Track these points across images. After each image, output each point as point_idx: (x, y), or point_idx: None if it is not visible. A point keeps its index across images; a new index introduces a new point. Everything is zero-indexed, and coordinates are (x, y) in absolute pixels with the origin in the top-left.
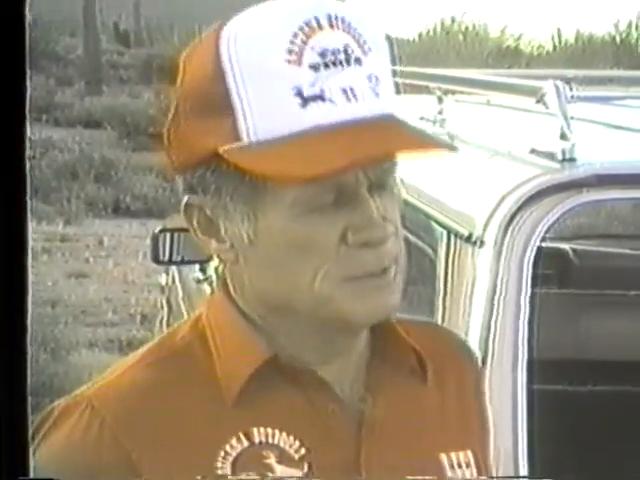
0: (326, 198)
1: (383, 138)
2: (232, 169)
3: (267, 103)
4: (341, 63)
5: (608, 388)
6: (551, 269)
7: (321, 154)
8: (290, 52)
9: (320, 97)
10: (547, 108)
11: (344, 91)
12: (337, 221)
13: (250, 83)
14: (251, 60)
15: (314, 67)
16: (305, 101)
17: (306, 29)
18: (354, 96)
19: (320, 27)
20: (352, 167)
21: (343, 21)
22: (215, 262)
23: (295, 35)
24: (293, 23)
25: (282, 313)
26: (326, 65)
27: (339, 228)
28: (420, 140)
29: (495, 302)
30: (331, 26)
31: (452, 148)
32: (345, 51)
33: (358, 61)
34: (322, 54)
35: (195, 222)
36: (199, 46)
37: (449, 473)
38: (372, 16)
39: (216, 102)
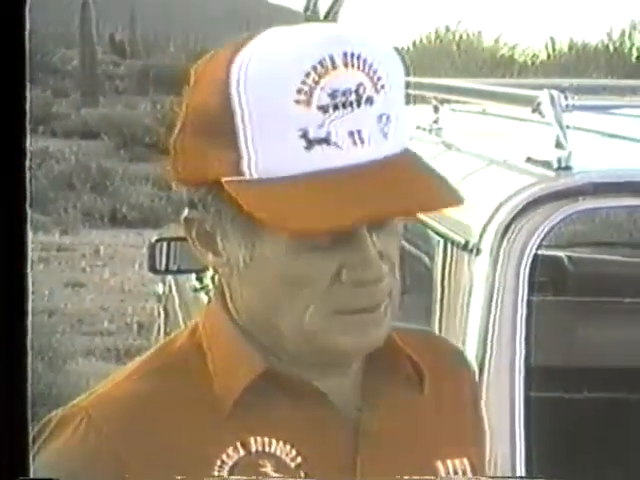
0: (324, 237)
1: (385, 193)
2: (233, 199)
3: (272, 142)
4: (351, 104)
5: (604, 395)
6: (547, 276)
7: (322, 207)
8: (300, 92)
9: (325, 140)
10: (543, 117)
11: (351, 134)
12: (333, 259)
13: (257, 120)
14: (260, 96)
15: (323, 108)
16: (310, 143)
17: (319, 69)
18: (360, 140)
19: (334, 66)
20: (353, 225)
21: (359, 58)
22: (212, 271)
23: (307, 74)
24: (307, 61)
25: (268, 333)
26: (335, 107)
27: (334, 266)
28: (426, 197)
29: (492, 309)
30: (345, 65)
31: (459, 201)
32: (357, 91)
33: (369, 101)
34: (332, 95)
35: (194, 234)
36: (211, 63)
37: None
38: (389, 45)
39: (222, 132)
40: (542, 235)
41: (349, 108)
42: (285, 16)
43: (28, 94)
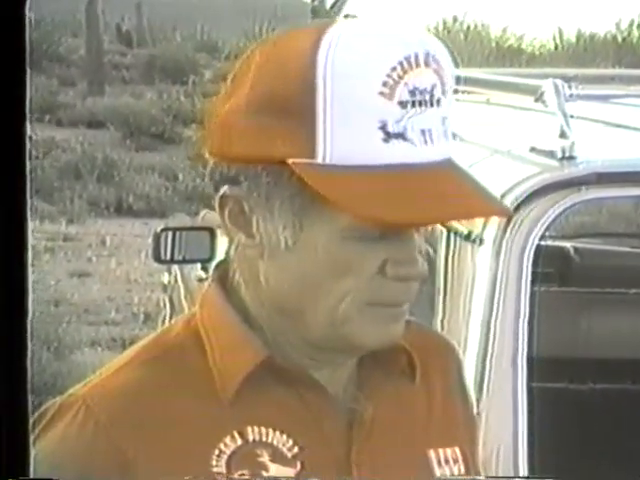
0: (376, 229)
1: (456, 196)
2: (294, 180)
3: (351, 129)
4: (426, 103)
5: (608, 386)
6: (552, 267)
7: (390, 203)
8: (385, 84)
9: (402, 135)
10: (546, 107)
11: (422, 132)
12: (380, 251)
13: (340, 105)
14: (346, 82)
15: (402, 104)
16: (388, 136)
17: (405, 64)
18: (430, 139)
19: (417, 64)
20: (430, 224)
21: (436, 61)
22: (217, 260)
23: (393, 69)
24: (395, 55)
25: (287, 319)
26: (413, 104)
27: (380, 259)
28: (487, 202)
29: (495, 300)
30: (427, 64)
31: (508, 212)
32: (431, 91)
33: (438, 102)
34: (412, 92)
35: (227, 212)
36: (290, 44)
37: (437, 469)
38: (449, 53)
39: (299, 111)
40: (545, 225)
41: (424, 107)
42: (292, 6)
43: (29, 83)
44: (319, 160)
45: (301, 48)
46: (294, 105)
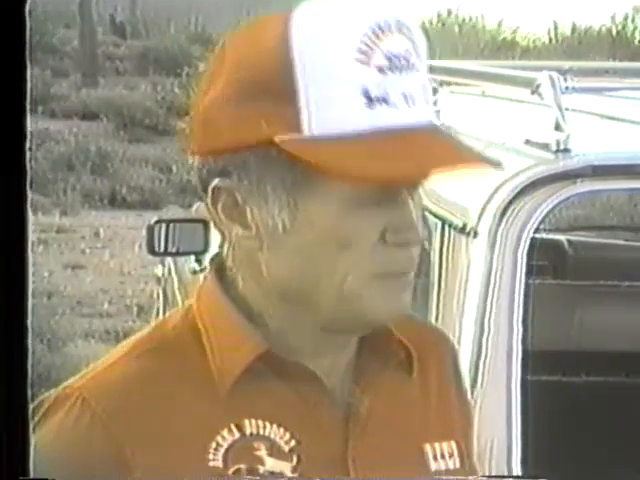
0: (371, 196)
1: (440, 151)
2: (283, 158)
3: (333, 99)
4: (403, 68)
5: (602, 379)
6: (546, 260)
7: (381, 160)
8: (360, 51)
9: (384, 99)
10: (542, 99)
11: (405, 96)
12: (378, 219)
13: (318, 76)
14: (322, 54)
15: (381, 69)
16: (371, 101)
17: (377, 30)
18: (413, 101)
19: (390, 30)
20: (420, 176)
21: (407, 27)
22: (213, 253)
23: (366, 35)
24: (365, 23)
25: (294, 304)
26: (391, 69)
27: (380, 226)
28: (474, 156)
29: (489, 292)
30: (399, 31)
31: (498, 164)
32: (406, 57)
33: (415, 68)
34: (389, 57)
35: (220, 206)
36: (259, 28)
37: (433, 463)
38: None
39: (278, 89)
40: (540, 218)
41: (402, 72)
42: None
43: (28, 75)
44: (305, 133)
45: (272, 29)
46: (274, 85)
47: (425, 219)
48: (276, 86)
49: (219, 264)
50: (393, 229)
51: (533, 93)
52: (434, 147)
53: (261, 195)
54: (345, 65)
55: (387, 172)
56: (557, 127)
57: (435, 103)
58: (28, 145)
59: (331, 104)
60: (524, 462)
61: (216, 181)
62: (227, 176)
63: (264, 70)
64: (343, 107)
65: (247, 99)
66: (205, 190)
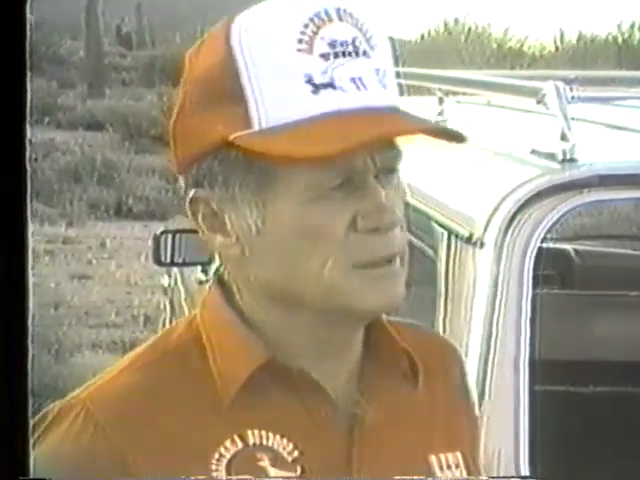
0: (335, 183)
1: (393, 123)
2: (241, 157)
3: (279, 90)
4: (350, 54)
5: (610, 389)
6: (554, 269)
7: (332, 136)
8: (301, 41)
9: (331, 85)
10: (547, 109)
11: (353, 80)
12: (346, 207)
13: (262, 71)
14: (263, 49)
15: (324, 56)
16: (316, 88)
17: (316, 20)
18: (363, 85)
19: (329, 19)
20: (363, 146)
21: (351, 15)
22: (217, 263)
23: (305, 25)
24: (303, 14)
25: (286, 305)
26: (336, 55)
27: (349, 214)
28: (430, 126)
29: (496, 303)
30: (340, 19)
31: (461, 138)
32: (353, 43)
33: (366, 54)
34: (332, 44)
35: (200, 217)
36: (208, 40)
37: (439, 474)
38: (376, 15)
39: (227, 91)
40: (546, 228)
41: (348, 57)
42: None
43: (29, 86)
44: (256, 128)
45: (216, 36)
46: (223, 88)
47: (430, 226)
48: (225, 89)
49: (222, 274)
50: (362, 215)
51: (539, 103)
52: (382, 120)
53: (232, 200)
54: (287, 56)
55: (332, 148)
56: (563, 137)
57: (441, 113)
58: (34, 156)
59: (278, 96)
60: (532, 472)
61: (192, 192)
62: (200, 186)
63: (213, 77)
64: (289, 97)
65: (204, 108)
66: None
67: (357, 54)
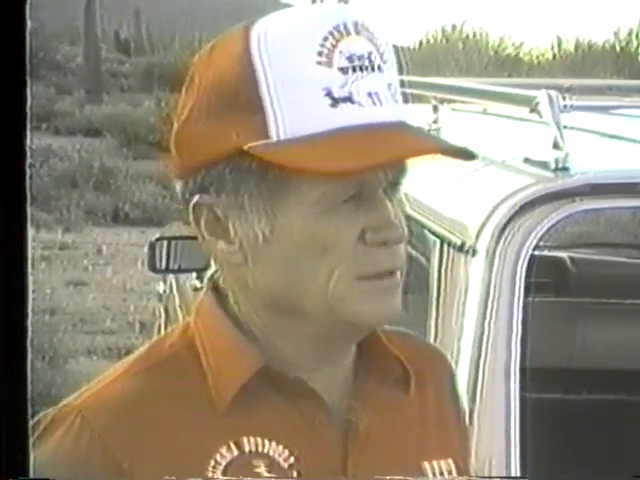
0: (347, 196)
1: (407, 143)
2: (255, 166)
3: (297, 102)
4: (367, 69)
5: (604, 397)
6: (548, 277)
7: (349, 152)
8: (320, 54)
9: (349, 99)
10: (541, 117)
11: (370, 95)
12: (356, 220)
13: (281, 82)
14: (283, 60)
15: (343, 70)
16: (335, 102)
17: (336, 33)
18: (379, 101)
19: (348, 33)
20: (378, 167)
21: (367, 30)
22: (212, 270)
23: (325, 38)
24: (324, 27)
25: (285, 314)
26: (354, 69)
27: (358, 227)
28: (444, 146)
29: (487, 310)
30: (357, 33)
31: (473, 156)
32: (369, 58)
33: (380, 69)
34: (350, 58)
35: (203, 223)
36: (221, 45)
37: None
38: (386, 29)
39: (245, 100)
40: (538, 236)
41: (365, 72)
42: None
43: (29, 92)
44: (273, 139)
45: (234, 43)
46: (239, 97)
47: (423, 234)
48: (242, 97)
49: (217, 281)
50: (372, 229)
51: (532, 111)
52: (398, 139)
53: (239, 207)
54: (307, 68)
55: (350, 165)
56: (555, 145)
57: (436, 121)
58: (31, 162)
59: (296, 108)
60: (522, 478)
61: (196, 198)
62: (206, 192)
63: (229, 84)
64: (308, 109)
65: (217, 115)
66: (188, 209)
67: (372, 69)
